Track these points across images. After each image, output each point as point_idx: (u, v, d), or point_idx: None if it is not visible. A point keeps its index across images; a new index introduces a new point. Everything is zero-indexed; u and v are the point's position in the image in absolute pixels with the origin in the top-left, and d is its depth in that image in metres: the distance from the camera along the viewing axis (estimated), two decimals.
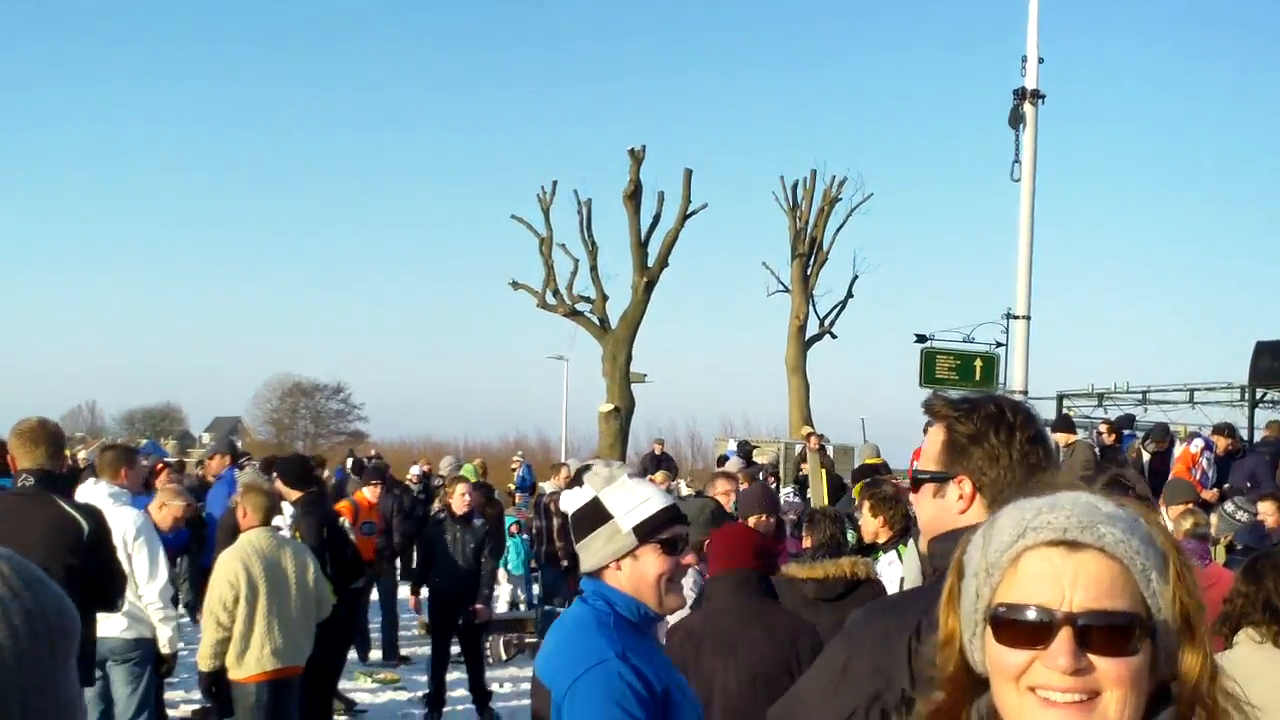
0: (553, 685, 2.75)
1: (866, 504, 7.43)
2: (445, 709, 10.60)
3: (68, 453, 9.53)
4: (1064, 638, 1.43)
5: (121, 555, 6.53)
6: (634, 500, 2.85)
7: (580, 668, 2.67)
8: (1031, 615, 1.45)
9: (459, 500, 10.71)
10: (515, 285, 31.79)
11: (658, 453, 24.18)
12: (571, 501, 2.93)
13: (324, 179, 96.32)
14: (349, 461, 24.01)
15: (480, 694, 10.59)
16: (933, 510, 2.58)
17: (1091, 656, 1.43)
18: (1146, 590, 1.46)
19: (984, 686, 1.56)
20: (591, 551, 2.86)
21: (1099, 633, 1.43)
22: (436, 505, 12.48)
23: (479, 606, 10.56)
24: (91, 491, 7.25)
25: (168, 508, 8.66)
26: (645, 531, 2.81)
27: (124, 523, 6.94)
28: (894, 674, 2.36)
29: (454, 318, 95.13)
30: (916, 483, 2.63)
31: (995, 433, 2.50)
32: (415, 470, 24.96)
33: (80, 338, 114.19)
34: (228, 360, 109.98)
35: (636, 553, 2.82)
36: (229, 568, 7.24)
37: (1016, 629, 1.46)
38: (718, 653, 4.76)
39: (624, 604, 2.81)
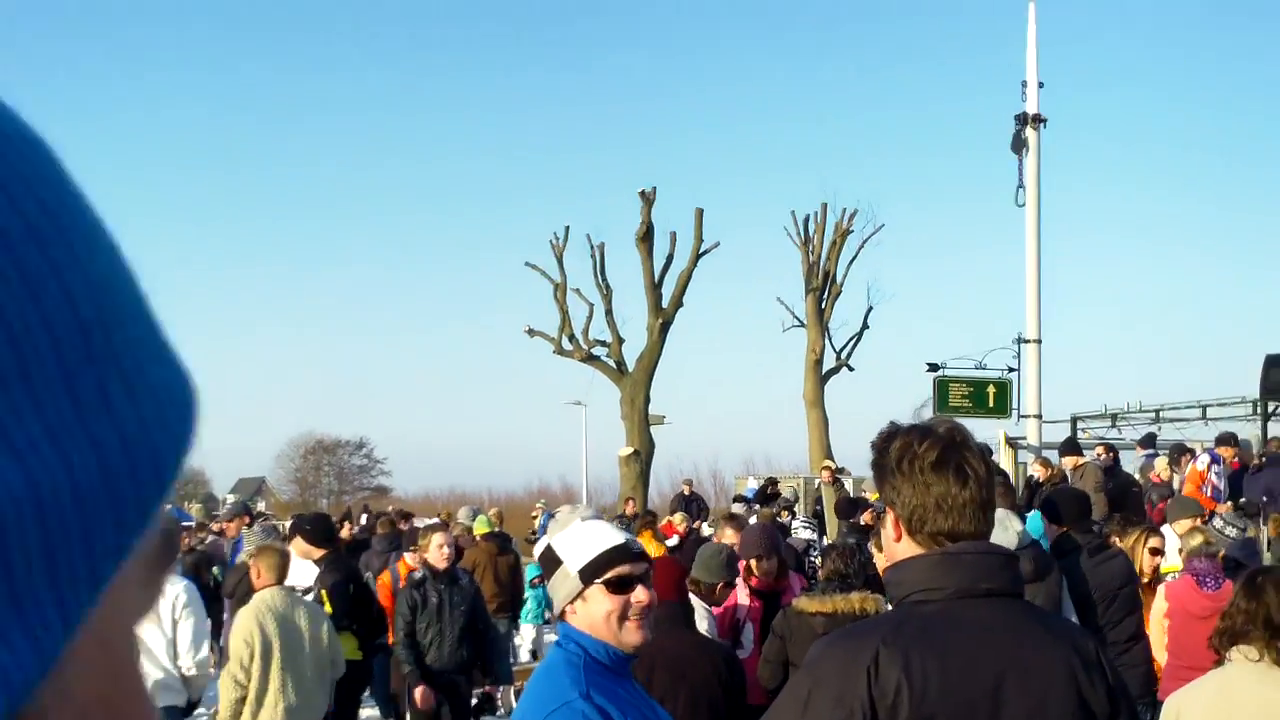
0: None
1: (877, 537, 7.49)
2: None
3: None
4: None
5: (167, 624, 6.61)
6: (580, 543, 2.91)
7: (545, 709, 2.72)
8: None
9: (436, 553, 8.99)
10: (531, 332, 31.89)
11: (686, 493, 24.17)
12: (536, 549, 2.96)
13: (335, 234, 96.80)
14: (363, 518, 24.00)
15: None
16: (885, 541, 2.68)
17: None
18: None
19: None
20: (553, 596, 2.94)
21: None
22: (411, 561, 10.59)
23: (488, 689, 9.92)
24: None
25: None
26: (588, 573, 2.86)
27: (172, 593, 7.04)
28: (854, 704, 2.43)
29: (473, 367, 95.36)
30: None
31: (901, 463, 2.59)
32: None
33: None
34: (250, 421, 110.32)
35: (584, 594, 2.87)
36: (244, 626, 7.30)
37: None
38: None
39: (593, 646, 2.86)
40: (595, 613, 2.86)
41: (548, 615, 15.92)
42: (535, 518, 27.68)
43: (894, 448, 2.62)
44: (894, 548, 2.65)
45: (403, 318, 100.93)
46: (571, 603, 2.89)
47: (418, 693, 8.63)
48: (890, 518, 2.65)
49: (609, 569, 2.87)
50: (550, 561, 2.92)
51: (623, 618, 2.85)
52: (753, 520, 10.93)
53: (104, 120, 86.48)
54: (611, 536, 2.93)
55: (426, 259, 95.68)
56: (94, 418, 0.44)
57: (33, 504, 0.41)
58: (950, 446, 2.58)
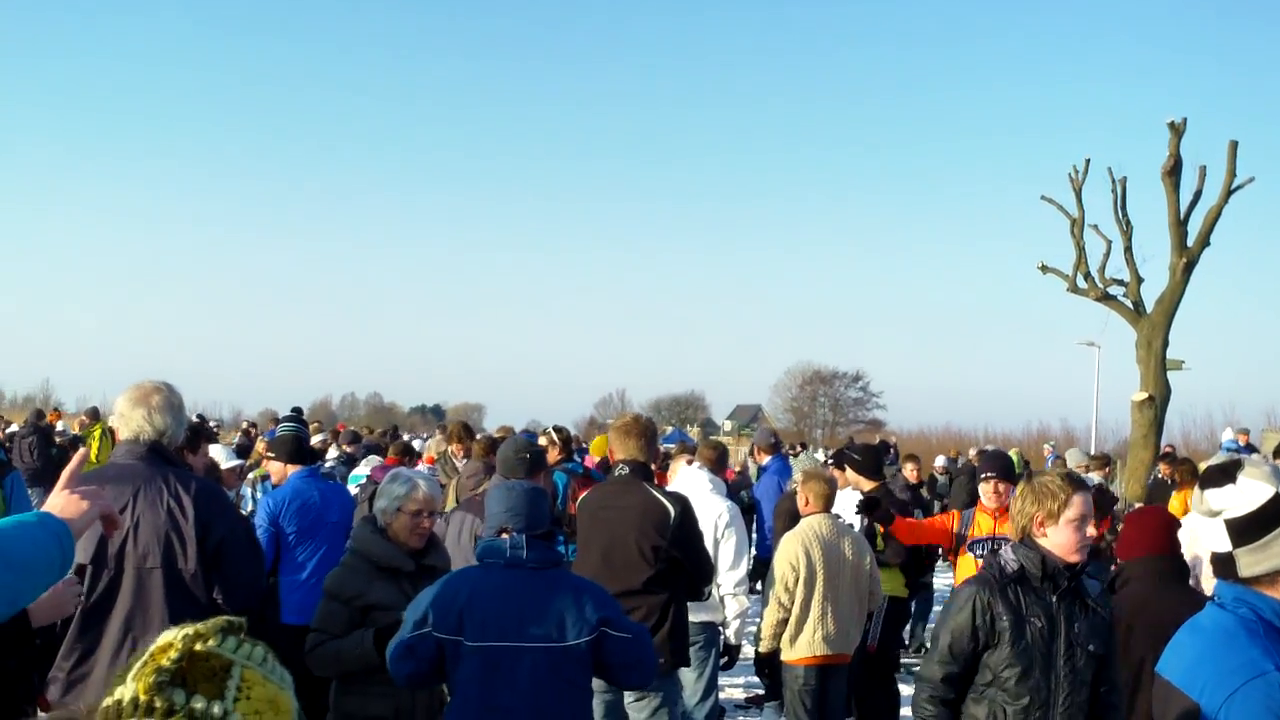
0: (1201, 696, 2.63)
1: None
2: None
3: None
4: None
5: (709, 543, 6.90)
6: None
7: (1238, 679, 2.55)
8: None
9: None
10: (1044, 269, 30.75)
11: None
12: (1234, 499, 2.73)
13: (853, 168, 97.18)
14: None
15: None
16: None
17: None
18: None
19: None
20: (1270, 555, 2.70)
21: None
22: None
23: None
24: (693, 477, 7.83)
25: None
26: None
27: (715, 512, 7.30)
28: None
29: (978, 304, 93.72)
30: None
31: None
32: (941, 461, 24.91)
33: (613, 330, 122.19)
34: (750, 349, 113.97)
35: None
36: (790, 550, 7.47)
37: None
38: None
39: (1270, 608, 2.65)
40: None
41: None
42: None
43: None
44: None
45: (905, 251, 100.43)
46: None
47: None
48: None
49: None
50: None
51: None
52: None
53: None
54: None
55: (936, 191, 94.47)
56: None
57: None
58: None
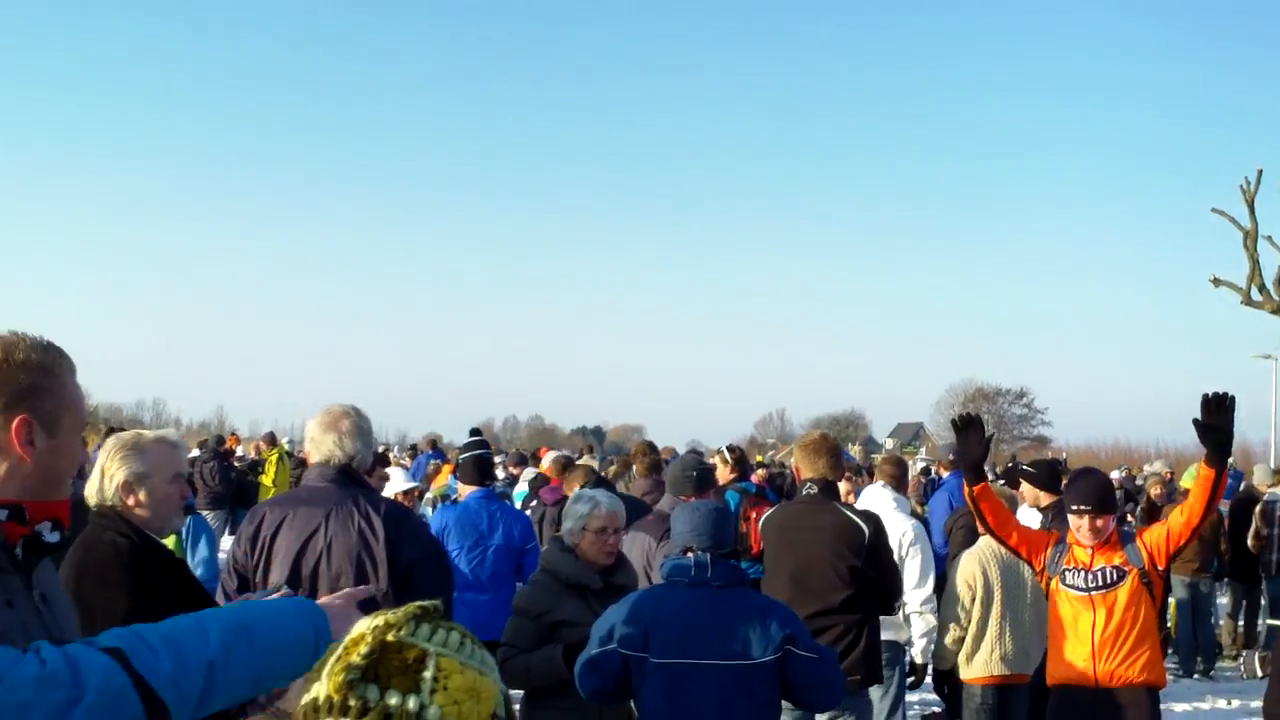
0: None
1: None
2: None
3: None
4: None
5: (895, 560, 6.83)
6: None
7: None
8: None
9: None
10: (1216, 282, 29.74)
11: None
12: None
13: (985, 180, 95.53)
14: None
15: None
16: None
17: None
18: None
19: None
20: None
21: None
22: None
23: None
24: (877, 495, 7.77)
25: None
26: None
27: (900, 530, 7.26)
28: None
29: (1147, 317, 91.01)
30: None
31: None
32: (1116, 474, 24.20)
33: (771, 349, 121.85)
34: (910, 366, 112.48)
35: None
36: (968, 569, 7.33)
37: None
38: None
39: None
40: None
41: None
42: None
43: None
44: None
45: (1070, 264, 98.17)
46: None
47: None
48: None
49: None
50: None
51: None
52: None
53: None
54: None
55: (1104, 203, 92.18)
56: None
57: None
58: None
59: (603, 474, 11.11)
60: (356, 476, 4.83)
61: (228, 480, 18.94)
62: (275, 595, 3.78)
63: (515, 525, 8.06)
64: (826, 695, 4.50)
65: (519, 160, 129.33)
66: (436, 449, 23.76)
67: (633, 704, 4.57)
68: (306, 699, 1.52)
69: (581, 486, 8.58)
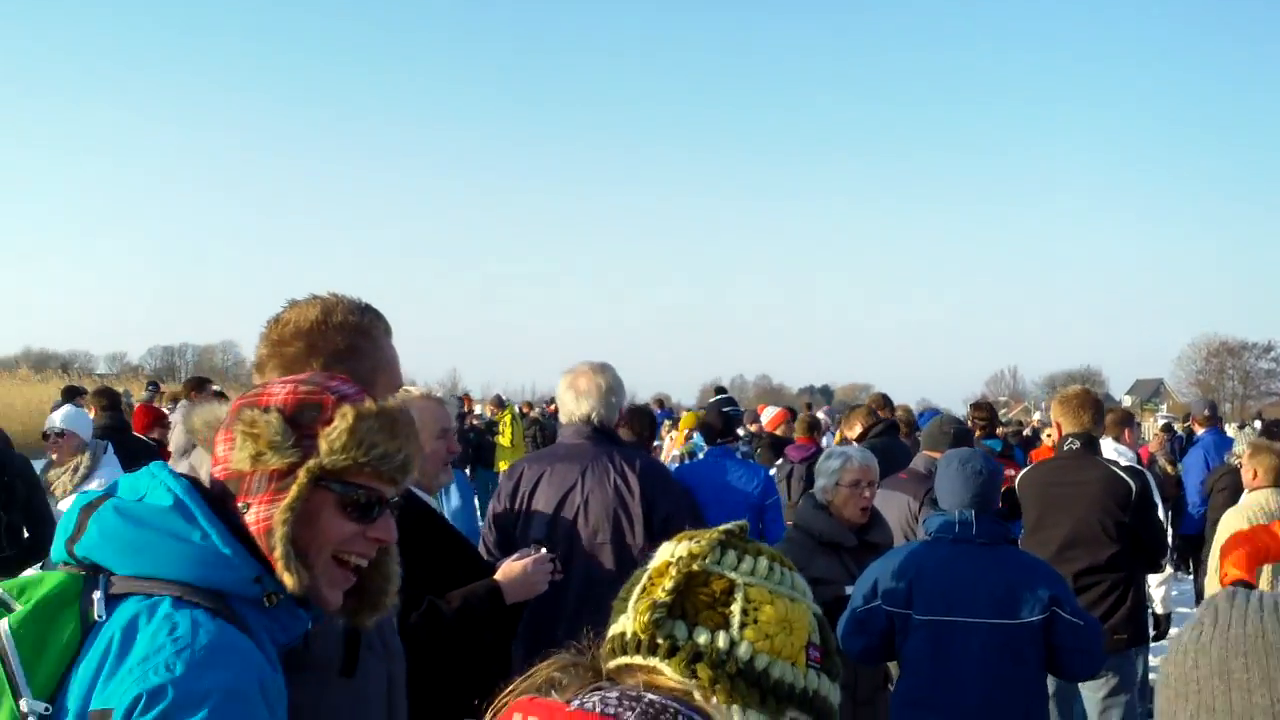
0: None
1: None
2: None
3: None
4: None
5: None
6: None
7: None
8: None
9: None
10: None
11: None
12: None
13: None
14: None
15: None
16: None
17: None
18: None
19: None
20: None
21: None
22: None
23: None
24: (1108, 451, 7.52)
25: None
26: None
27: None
28: None
29: None
30: None
31: None
32: None
33: (1002, 306, 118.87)
34: (1147, 321, 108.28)
35: None
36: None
37: None
38: None
39: None
40: None
41: None
42: None
43: None
44: None
45: None
46: None
47: None
48: None
49: None
50: None
51: None
52: None
53: None
54: None
55: None
56: None
57: None
58: None
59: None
60: (610, 433, 4.88)
61: (466, 440, 19.49)
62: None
63: (756, 480, 8.03)
64: (1086, 662, 4.35)
65: (767, 129, 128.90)
66: (665, 409, 23.95)
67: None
68: (614, 631, 1.47)
69: (861, 432, 8.50)
